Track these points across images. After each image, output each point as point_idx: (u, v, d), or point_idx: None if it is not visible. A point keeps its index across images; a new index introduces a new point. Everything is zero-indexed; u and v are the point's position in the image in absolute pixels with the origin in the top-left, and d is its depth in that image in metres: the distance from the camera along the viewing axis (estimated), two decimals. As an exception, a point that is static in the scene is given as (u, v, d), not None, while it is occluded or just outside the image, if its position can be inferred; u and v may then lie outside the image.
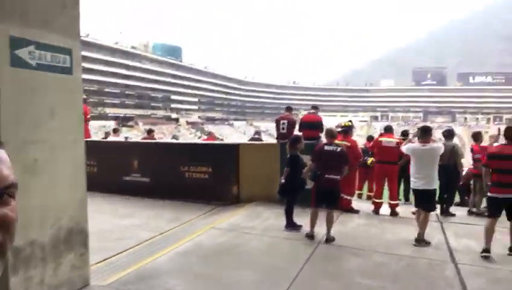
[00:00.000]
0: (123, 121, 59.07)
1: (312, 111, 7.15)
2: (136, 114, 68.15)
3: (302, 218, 5.40)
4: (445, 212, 6.65)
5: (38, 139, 3.01)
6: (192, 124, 74.02)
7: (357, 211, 6.64)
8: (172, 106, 77.56)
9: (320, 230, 5.03)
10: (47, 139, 3.09)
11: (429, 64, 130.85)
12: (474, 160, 6.99)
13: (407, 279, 3.97)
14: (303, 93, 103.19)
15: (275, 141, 7.36)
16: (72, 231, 3.28)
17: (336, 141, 5.46)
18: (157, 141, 9.04)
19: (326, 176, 4.97)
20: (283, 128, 7.01)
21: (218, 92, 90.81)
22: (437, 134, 7.52)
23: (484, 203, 7.25)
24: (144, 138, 9.94)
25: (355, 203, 7.16)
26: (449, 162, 6.48)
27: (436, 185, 5.30)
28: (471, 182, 7.53)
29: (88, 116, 8.61)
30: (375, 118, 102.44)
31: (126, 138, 9.86)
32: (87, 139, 5.62)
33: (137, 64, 69.77)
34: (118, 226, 5.57)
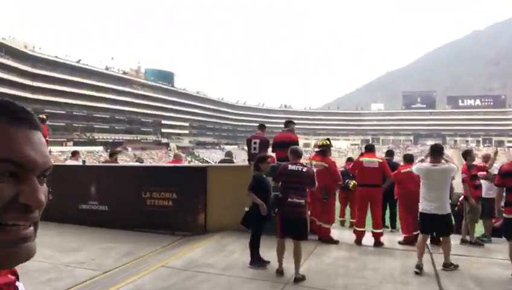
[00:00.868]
0: (112, 146, 57.96)
1: (286, 129, 6.50)
2: (125, 139, 67.16)
3: (272, 249, 4.63)
4: (436, 241, 5.93)
5: None
6: (183, 149, 73.08)
7: (336, 242, 5.92)
8: (163, 130, 76.78)
9: (292, 264, 4.30)
10: None
11: (419, 88, 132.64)
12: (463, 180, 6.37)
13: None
14: (294, 117, 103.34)
15: (246, 163, 6.67)
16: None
17: (304, 161, 4.82)
18: (118, 164, 8.27)
19: (288, 199, 4.31)
20: (254, 149, 6.35)
21: (209, 116, 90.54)
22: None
23: (477, 231, 6.60)
24: (106, 161, 9.18)
25: (337, 232, 6.47)
26: None
27: (449, 209, 4.78)
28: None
29: (46, 138, 7.88)
30: (367, 141, 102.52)
31: (84, 161, 9.06)
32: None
33: (128, 89, 69.37)
34: (57, 264, 4.81)
